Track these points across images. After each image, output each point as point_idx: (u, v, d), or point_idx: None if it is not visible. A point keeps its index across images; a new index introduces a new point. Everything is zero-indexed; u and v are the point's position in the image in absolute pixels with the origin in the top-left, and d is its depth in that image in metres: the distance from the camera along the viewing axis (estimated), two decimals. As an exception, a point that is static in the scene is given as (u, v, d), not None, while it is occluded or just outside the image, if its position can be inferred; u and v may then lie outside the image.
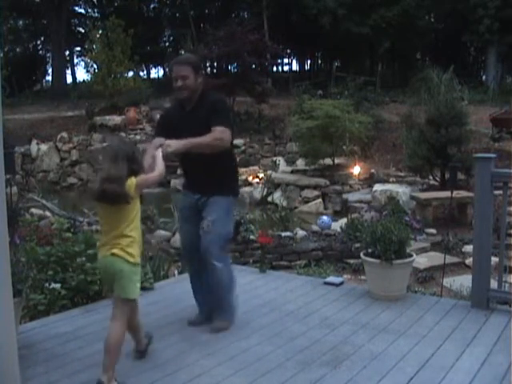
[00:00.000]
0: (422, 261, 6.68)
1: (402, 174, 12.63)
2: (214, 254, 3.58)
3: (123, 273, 2.90)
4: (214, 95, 3.74)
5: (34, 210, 9.28)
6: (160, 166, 3.18)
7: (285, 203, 10.66)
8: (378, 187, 11.07)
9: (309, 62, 34.14)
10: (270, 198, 12.32)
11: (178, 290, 4.59)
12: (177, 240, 7.62)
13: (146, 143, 16.81)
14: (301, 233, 7.68)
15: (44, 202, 10.21)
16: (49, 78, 34.06)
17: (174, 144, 3.37)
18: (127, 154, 2.94)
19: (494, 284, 4.07)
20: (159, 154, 3.27)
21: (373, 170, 13.24)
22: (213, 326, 3.69)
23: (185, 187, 3.92)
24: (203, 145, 3.45)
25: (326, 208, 11.73)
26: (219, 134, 3.51)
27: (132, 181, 2.92)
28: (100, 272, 3.11)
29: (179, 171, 15.30)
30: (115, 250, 2.90)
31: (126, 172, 2.91)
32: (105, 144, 16.47)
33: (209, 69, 29.77)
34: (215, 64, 27.63)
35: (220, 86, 16.01)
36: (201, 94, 3.65)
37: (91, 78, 21.96)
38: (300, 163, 14.23)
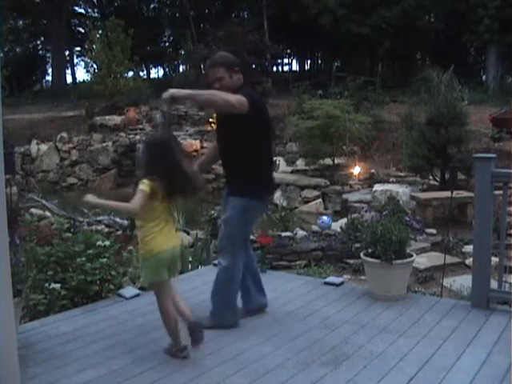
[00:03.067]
0: (422, 261, 6.68)
1: (402, 174, 12.62)
2: (221, 252, 3.75)
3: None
4: (244, 91, 3.57)
5: (33, 210, 9.28)
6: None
7: (285, 203, 10.65)
8: (377, 187, 11.07)
9: (309, 62, 34.13)
10: (270, 198, 12.30)
11: (178, 290, 4.59)
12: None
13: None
14: (301, 233, 7.68)
15: (44, 202, 10.21)
16: (49, 77, 34.10)
17: (175, 90, 3.37)
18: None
19: (494, 284, 4.07)
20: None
21: (373, 170, 13.23)
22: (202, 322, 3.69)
23: None
24: (209, 97, 3.44)
25: (326, 208, 11.72)
26: (231, 96, 3.43)
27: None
28: (166, 261, 3.25)
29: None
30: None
31: None
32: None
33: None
34: (215, 64, 27.61)
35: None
36: (237, 90, 3.55)
37: (91, 78, 21.95)
38: (300, 163, 14.22)
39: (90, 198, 3.13)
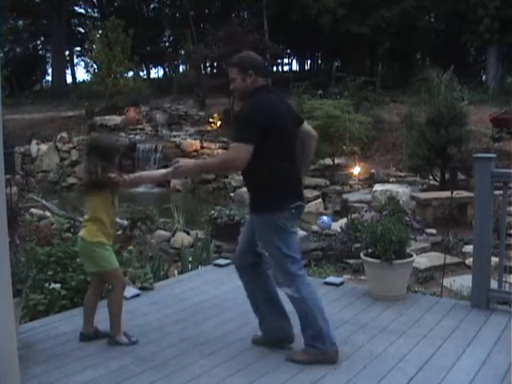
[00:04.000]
0: (422, 261, 6.68)
1: (402, 174, 12.63)
2: (279, 285, 3.34)
3: None
4: (254, 97, 3.26)
5: (33, 210, 9.28)
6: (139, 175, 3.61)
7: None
8: (377, 187, 11.07)
9: (309, 62, 34.14)
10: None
11: (178, 289, 4.59)
12: (177, 240, 7.64)
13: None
14: (301, 233, 7.68)
15: (44, 202, 10.22)
16: (49, 77, 34.14)
17: (183, 164, 3.30)
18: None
19: (494, 284, 4.07)
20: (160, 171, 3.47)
21: (373, 170, 13.24)
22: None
23: None
24: (212, 167, 3.22)
25: (326, 208, 11.72)
26: (230, 153, 3.22)
27: None
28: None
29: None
30: None
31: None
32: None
33: (209, 69, 29.82)
34: (215, 64, 27.65)
35: (220, 86, 16.03)
36: (250, 95, 3.29)
37: (91, 78, 21.98)
38: (300, 163, 14.21)
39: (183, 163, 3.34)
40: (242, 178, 3.53)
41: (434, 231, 8.21)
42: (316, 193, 12.19)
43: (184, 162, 3.37)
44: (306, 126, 3.64)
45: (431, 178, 11.40)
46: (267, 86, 3.41)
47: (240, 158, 3.09)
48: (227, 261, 5.28)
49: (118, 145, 3.66)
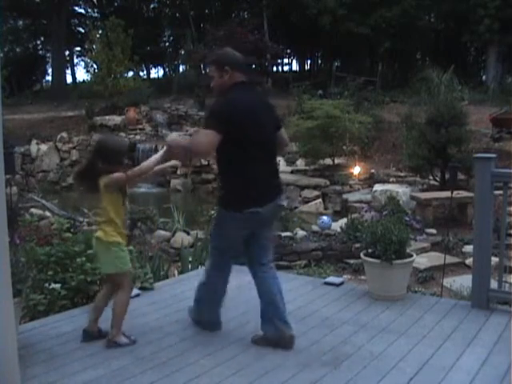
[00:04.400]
0: (422, 261, 6.68)
1: (402, 174, 12.63)
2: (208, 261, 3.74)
3: None
4: (229, 94, 3.33)
5: (33, 210, 9.27)
6: (139, 167, 3.47)
7: (285, 203, 10.66)
8: (378, 187, 11.07)
9: (309, 62, 34.12)
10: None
11: (178, 289, 4.59)
12: (177, 240, 7.64)
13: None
14: (301, 233, 7.68)
15: (44, 202, 10.21)
16: (49, 77, 34.11)
17: (174, 143, 3.45)
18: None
19: (494, 284, 4.07)
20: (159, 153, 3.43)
21: (373, 170, 13.23)
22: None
23: None
24: (187, 149, 3.35)
25: (326, 208, 11.73)
26: (197, 136, 3.47)
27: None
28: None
29: (179, 172, 15.33)
30: None
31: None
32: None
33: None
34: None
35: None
36: (227, 90, 3.35)
37: (91, 78, 21.98)
38: (300, 163, 14.23)
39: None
40: None
41: (434, 231, 8.21)
42: (316, 193, 12.19)
43: (175, 140, 3.44)
44: (284, 133, 3.72)
45: (431, 178, 11.40)
46: (245, 83, 3.42)
47: (202, 143, 3.22)
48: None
49: (125, 147, 3.63)
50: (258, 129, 3.29)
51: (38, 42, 35.22)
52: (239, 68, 3.41)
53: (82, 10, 33.60)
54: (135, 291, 4.40)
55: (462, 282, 5.42)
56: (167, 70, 35.14)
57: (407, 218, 7.96)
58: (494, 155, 4.12)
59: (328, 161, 13.16)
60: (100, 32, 21.60)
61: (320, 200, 11.93)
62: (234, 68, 3.36)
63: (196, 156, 3.58)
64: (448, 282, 5.78)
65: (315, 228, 8.02)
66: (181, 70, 30.45)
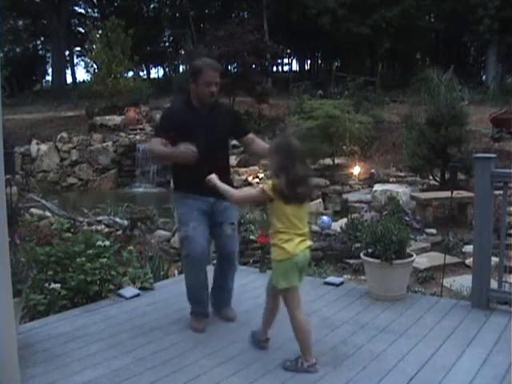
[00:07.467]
0: (422, 261, 6.68)
1: (402, 174, 12.62)
2: (237, 256, 3.92)
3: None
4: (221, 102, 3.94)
5: (33, 210, 9.28)
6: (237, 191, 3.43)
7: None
8: (378, 187, 11.07)
9: (309, 62, 34.16)
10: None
11: (178, 289, 4.58)
12: (177, 240, 7.63)
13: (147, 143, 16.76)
14: (301, 233, 7.66)
15: (44, 202, 10.21)
16: (49, 78, 34.17)
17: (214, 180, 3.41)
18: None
19: (494, 284, 4.07)
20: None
21: (373, 170, 13.23)
22: (228, 316, 3.91)
23: (191, 190, 3.69)
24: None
25: (326, 208, 11.71)
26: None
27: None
28: (296, 264, 3.11)
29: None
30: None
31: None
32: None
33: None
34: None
35: (220, 86, 15.99)
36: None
37: (91, 78, 21.96)
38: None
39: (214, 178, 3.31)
40: (238, 175, 3.92)
41: (434, 231, 8.21)
42: (316, 193, 12.17)
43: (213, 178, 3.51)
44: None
45: (431, 177, 11.39)
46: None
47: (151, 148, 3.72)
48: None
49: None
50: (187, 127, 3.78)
51: (38, 42, 35.25)
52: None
53: (82, 10, 33.70)
54: (135, 291, 4.40)
55: (462, 282, 5.43)
56: (167, 69, 35.17)
57: (407, 218, 7.96)
58: (493, 155, 4.11)
59: (328, 161, 13.16)
60: (100, 32, 21.58)
61: (320, 200, 11.91)
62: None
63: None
64: (448, 281, 5.78)
65: (315, 228, 8.01)
66: (181, 69, 30.46)
